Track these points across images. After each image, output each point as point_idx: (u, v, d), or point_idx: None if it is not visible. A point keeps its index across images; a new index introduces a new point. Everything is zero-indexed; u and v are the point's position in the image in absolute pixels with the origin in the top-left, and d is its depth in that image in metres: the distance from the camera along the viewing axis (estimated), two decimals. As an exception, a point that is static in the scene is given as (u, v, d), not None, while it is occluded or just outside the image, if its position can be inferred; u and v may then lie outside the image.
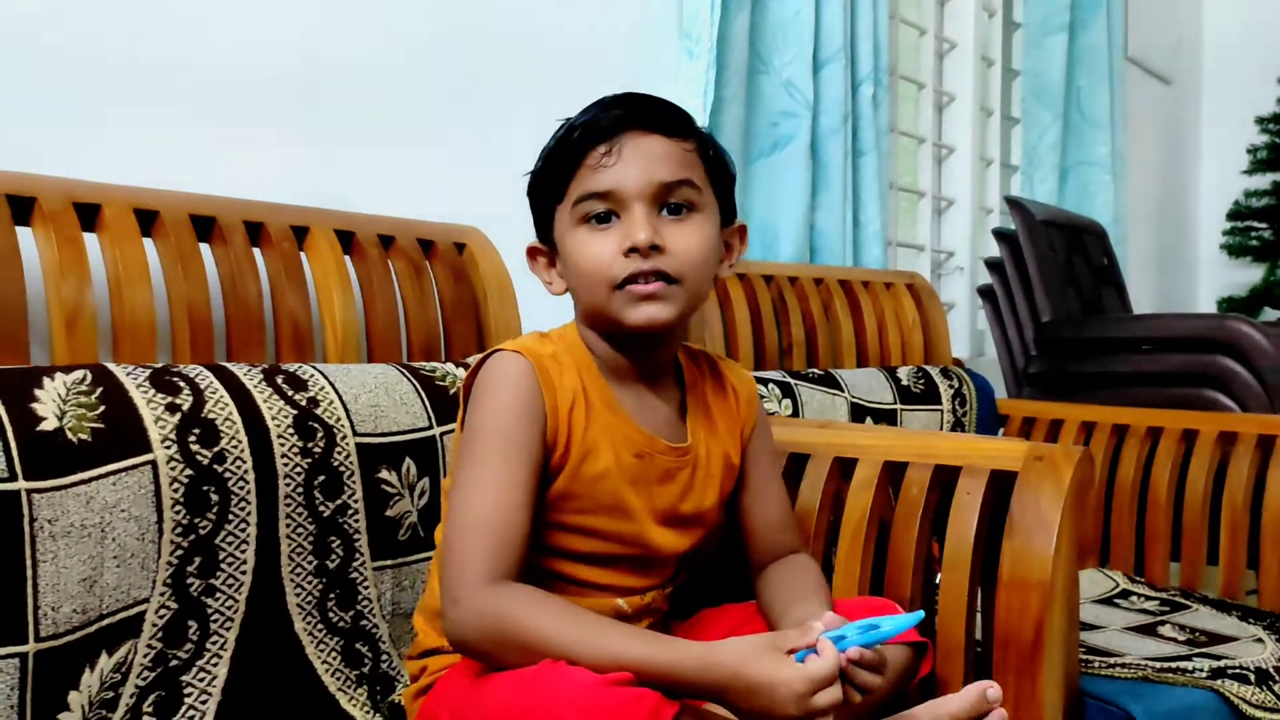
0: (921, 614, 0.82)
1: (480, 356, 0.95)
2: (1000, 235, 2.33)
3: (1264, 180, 3.61)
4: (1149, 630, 1.41)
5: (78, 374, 0.92)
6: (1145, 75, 3.55)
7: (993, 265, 2.36)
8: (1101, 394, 2.01)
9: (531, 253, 1.00)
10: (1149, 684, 1.19)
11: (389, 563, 1.09)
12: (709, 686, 0.76)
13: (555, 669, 0.76)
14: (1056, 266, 2.26)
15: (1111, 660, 1.25)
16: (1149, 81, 3.59)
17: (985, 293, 2.39)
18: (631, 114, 0.92)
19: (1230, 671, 1.22)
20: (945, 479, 1.10)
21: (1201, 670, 1.22)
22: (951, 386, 1.88)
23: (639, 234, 0.90)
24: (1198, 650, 1.31)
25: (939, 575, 1.09)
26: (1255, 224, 3.64)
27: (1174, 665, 1.23)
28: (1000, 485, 1.06)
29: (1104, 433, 1.80)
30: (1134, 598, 1.58)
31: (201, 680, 0.94)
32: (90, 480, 0.88)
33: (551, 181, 0.95)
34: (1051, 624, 0.98)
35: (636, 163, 0.91)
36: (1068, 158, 2.93)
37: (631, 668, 0.76)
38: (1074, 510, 1.00)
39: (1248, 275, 3.67)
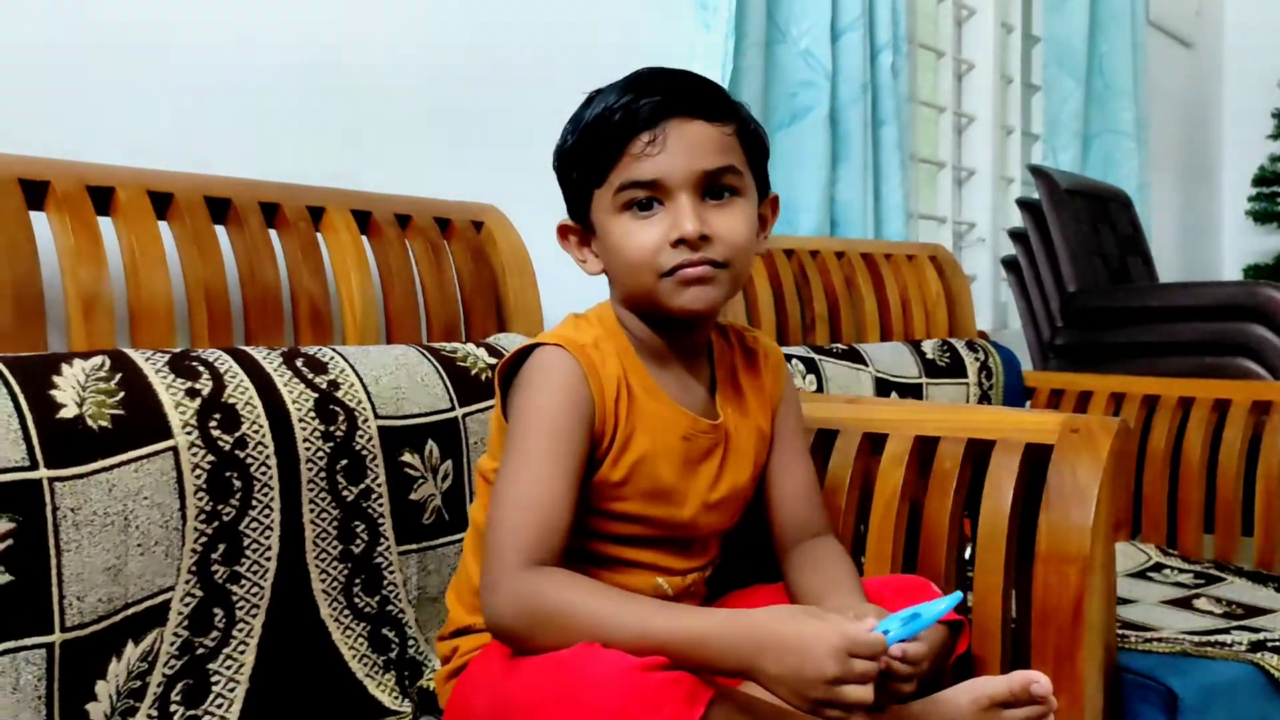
0: (959, 595, 0.80)
1: (517, 348, 0.93)
2: (1024, 205, 2.29)
3: (1289, 145, 3.55)
4: (1184, 603, 1.38)
5: (96, 360, 0.91)
6: (1166, 39, 3.49)
7: (1016, 236, 2.33)
8: (1130, 364, 1.98)
9: (563, 231, 0.98)
10: (1188, 658, 1.16)
11: (414, 546, 1.08)
12: (744, 648, 0.74)
13: (589, 652, 0.74)
14: (1082, 236, 2.23)
15: (1148, 635, 1.23)
16: (1170, 45, 3.53)
17: (1009, 264, 2.36)
18: (673, 99, 0.89)
19: (1270, 644, 1.20)
20: (977, 453, 1.08)
21: (1241, 644, 1.20)
22: (977, 359, 1.86)
23: (687, 225, 0.88)
24: (1236, 623, 1.29)
25: (968, 552, 1.07)
26: (1280, 189, 3.59)
27: (1212, 639, 1.21)
28: (1034, 459, 1.04)
29: (1134, 404, 1.77)
30: (1168, 570, 1.55)
31: (229, 668, 0.93)
32: (112, 468, 0.86)
33: (589, 164, 0.91)
34: (1091, 599, 0.95)
35: (681, 152, 0.88)
36: (1090, 125, 2.88)
37: (663, 637, 0.74)
38: (1111, 482, 0.98)
39: (1274, 242, 3.62)
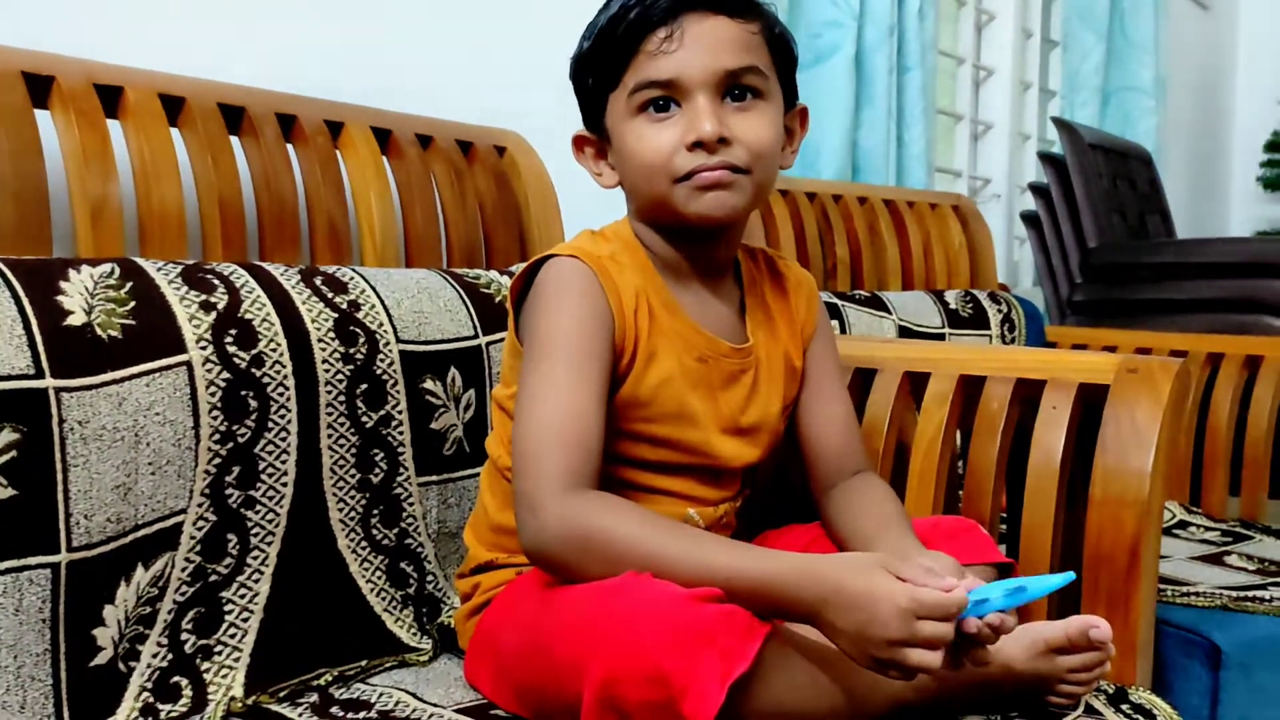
0: (1073, 575, 0.74)
1: (529, 262, 0.88)
2: (1046, 158, 2.24)
3: (1303, 111, 3.50)
4: (1215, 560, 1.35)
5: (105, 267, 0.85)
6: (1183, 0, 3.42)
7: (1038, 190, 2.28)
8: (1151, 321, 1.94)
9: (578, 142, 0.93)
10: (1228, 612, 1.13)
11: (434, 478, 1.03)
12: (809, 597, 0.69)
13: (638, 581, 0.70)
14: (1103, 191, 2.18)
15: (1184, 589, 1.20)
16: (1186, 6, 3.46)
17: (1029, 218, 2.31)
18: None
19: (1311, 601, 1.17)
20: (1024, 396, 1.04)
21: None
22: (1000, 311, 1.81)
23: (704, 126, 0.82)
24: (1272, 580, 1.25)
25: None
26: (1293, 156, 3.53)
27: (1251, 594, 1.18)
28: (1086, 401, 0.99)
29: (1160, 359, 1.72)
30: (1193, 528, 1.52)
31: (242, 596, 0.88)
32: (122, 380, 0.81)
33: (604, 66, 0.86)
34: (1147, 546, 0.91)
35: (699, 49, 0.82)
36: (1110, 82, 2.82)
37: (726, 576, 0.70)
38: (1171, 425, 0.94)
39: (1282, 209, 3.58)
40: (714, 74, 0.83)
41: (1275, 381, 1.59)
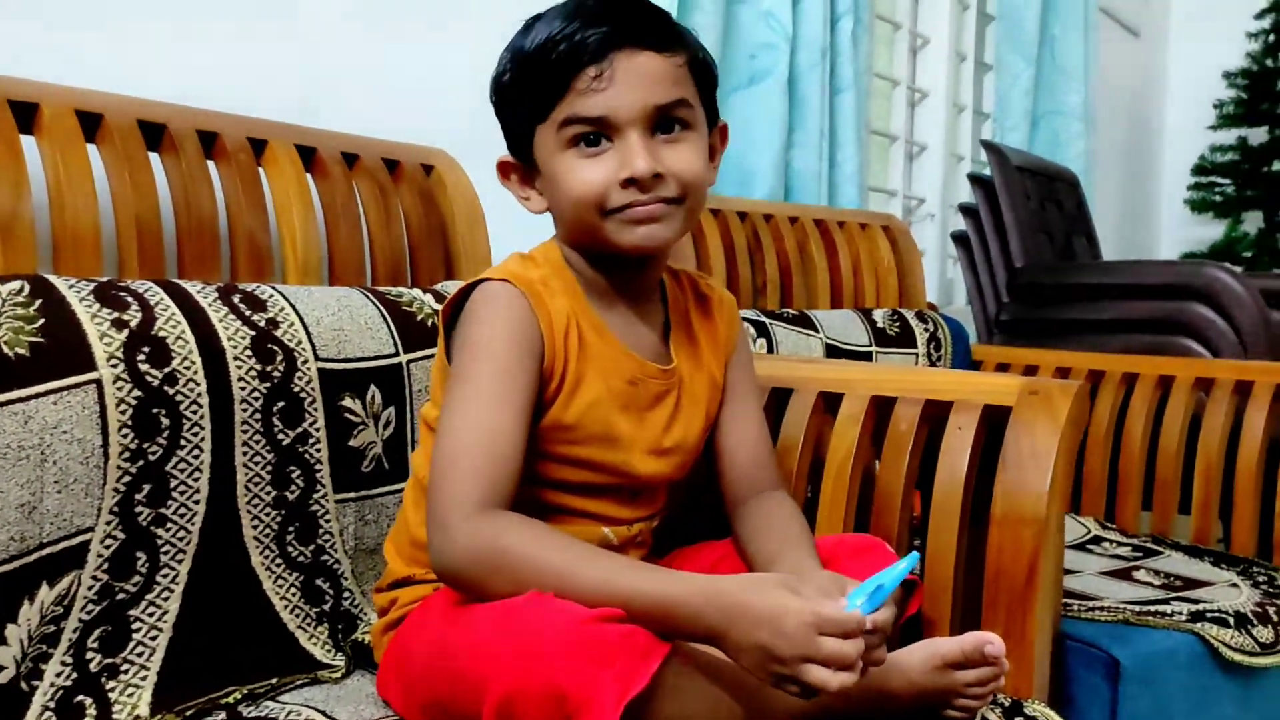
0: (917, 556, 0.77)
1: (462, 286, 0.89)
2: (976, 180, 2.29)
3: (1229, 135, 3.61)
4: (1124, 575, 1.39)
5: (14, 284, 0.85)
6: (1114, 26, 3.52)
7: (967, 210, 2.33)
8: (1074, 341, 1.99)
9: (503, 169, 0.93)
10: (1129, 627, 1.17)
11: (352, 495, 1.03)
12: (711, 617, 0.71)
13: (541, 601, 0.71)
14: (1030, 213, 2.23)
15: (1090, 604, 1.23)
16: (1117, 32, 3.56)
17: (959, 238, 2.36)
18: (621, 28, 0.84)
19: (1209, 615, 1.21)
20: (933, 416, 1.07)
21: (1181, 614, 1.20)
22: (926, 330, 1.85)
23: (638, 164, 0.83)
24: (1175, 595, 1.30)
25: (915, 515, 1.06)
26: (1219, 180, 3.64)
27: (1153, 609, 1.22)
28: (991, 421, 1.02)
29: (1079, 379, 1.76)
30: (1106, 543, 1.57)
31: (151, 615, 0.87)
32: (28, 398, 0.81)
33: (530, 99, 0.87)
34: (1045, 563, 0.94)
35: (630, 86, 0.84)
36: (1039, 106, 2.89)
37: (628, 597, 0.71)
38: (1069, 446, 0.97)
39: (1209, 231, 3.68)
40: (644, 111, 0.84)
41: (1185, 401, 1.64)
